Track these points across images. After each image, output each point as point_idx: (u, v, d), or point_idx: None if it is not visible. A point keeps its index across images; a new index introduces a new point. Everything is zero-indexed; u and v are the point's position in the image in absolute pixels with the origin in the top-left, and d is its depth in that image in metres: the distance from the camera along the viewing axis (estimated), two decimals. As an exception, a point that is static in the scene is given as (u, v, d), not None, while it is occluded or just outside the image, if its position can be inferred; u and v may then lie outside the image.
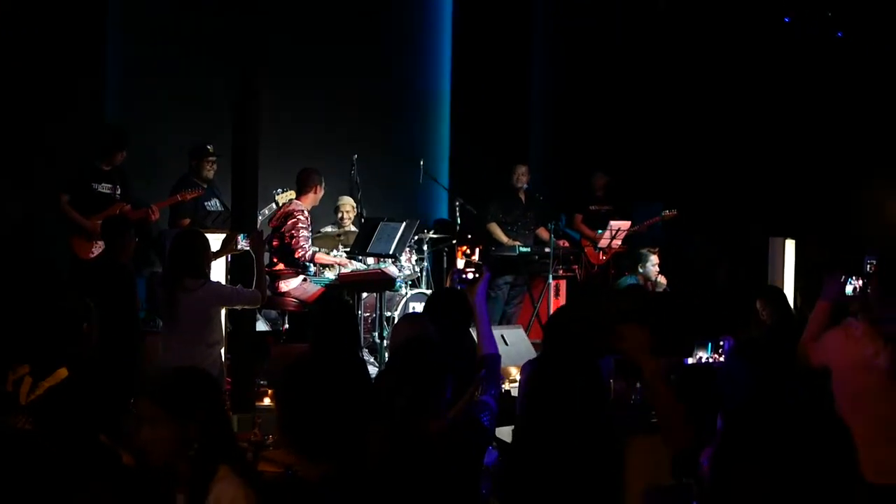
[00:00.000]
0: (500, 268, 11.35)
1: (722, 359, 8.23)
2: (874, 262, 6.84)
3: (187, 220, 9.96)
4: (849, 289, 5.23)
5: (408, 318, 6.29)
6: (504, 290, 11.46)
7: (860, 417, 4.68)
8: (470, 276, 5.06)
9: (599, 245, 11.73)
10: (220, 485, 3.24)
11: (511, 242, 11.42)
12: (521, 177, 11.66)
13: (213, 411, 3.35)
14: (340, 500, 2.99)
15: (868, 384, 4.68)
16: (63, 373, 4.80)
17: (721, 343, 8.43)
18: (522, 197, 11.73)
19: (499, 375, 4.88)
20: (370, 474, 3.25)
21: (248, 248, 7.35)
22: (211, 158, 10.23)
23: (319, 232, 11.05)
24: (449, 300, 6.18)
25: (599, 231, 11.86)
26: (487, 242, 11.55)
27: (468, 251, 5.09)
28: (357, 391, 3.23)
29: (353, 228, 11.03)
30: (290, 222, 9.62)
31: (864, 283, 5.27)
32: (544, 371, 3.66)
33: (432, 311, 6.10)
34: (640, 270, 10.67)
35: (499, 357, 5.02)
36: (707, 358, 8.37)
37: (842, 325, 4.93)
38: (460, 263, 5.16)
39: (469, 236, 11.43)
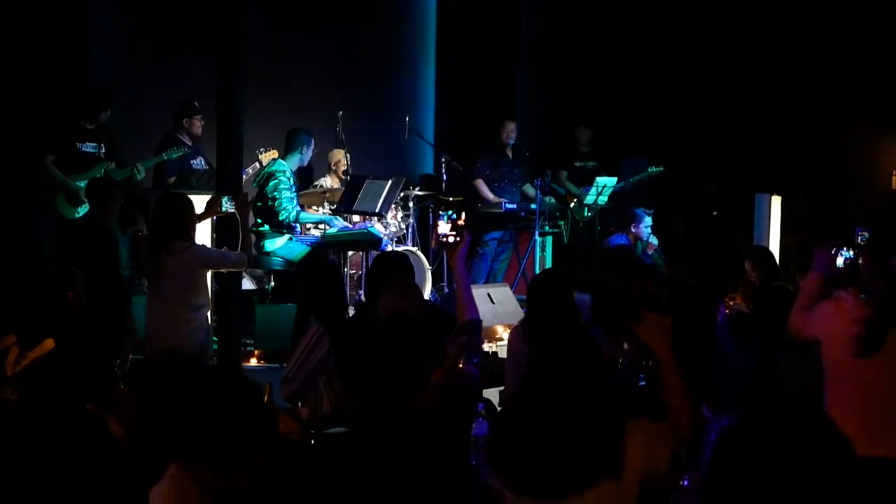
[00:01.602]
0: (487, 224, 11.33)
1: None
2: (866, 234, 6.84)
3: (172, 179, 9.88)
4: (840, 260, 5.21)
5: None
6: (491, 247, 11.43)
7: (849, 389, 4.70)
8: (451, 239, 5.02)
9: (585, 201, 11.70)
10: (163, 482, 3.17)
11: (496, 200, 11.38)
12: (510, 133, 11.60)
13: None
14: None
15: (859, 357, 4.67)
16: (49, 343, 4.75)
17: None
18: (509, 153, 11.68)
19: (480, 341, 4.86)
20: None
21: (232, 211, 7.29)
22: (197, 115, 10.14)
23: (315, 185, 11.00)
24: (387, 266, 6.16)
25: (585, 187, 11.83)
26: (473, 199, 11.51)
27: (453, 213, 5.02)
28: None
29: (337, 186, 10.97)
30: (272, 183, 9.57)
31: (854, 254, 5.25)
32: (542, 340, 3.65)
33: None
34: (633, 230, 10.63)
35: (479, 322, 5.01)
36: None
37: (832, 297, 4.92)
38: (443, 227, 5.10)
39: (451, 199, 11.39)
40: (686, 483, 4.05)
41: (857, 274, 5.13)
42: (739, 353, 5.05)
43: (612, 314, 5.64)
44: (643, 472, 3.33)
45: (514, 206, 11.46)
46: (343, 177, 11.00)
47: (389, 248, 10.13)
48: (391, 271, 5.95)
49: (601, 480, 3.28)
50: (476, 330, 4.88)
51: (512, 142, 11.62)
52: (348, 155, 11.10)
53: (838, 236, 5.65)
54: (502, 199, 11.38)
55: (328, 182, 11.06)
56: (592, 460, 3.29)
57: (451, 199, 11.38)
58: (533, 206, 11.33)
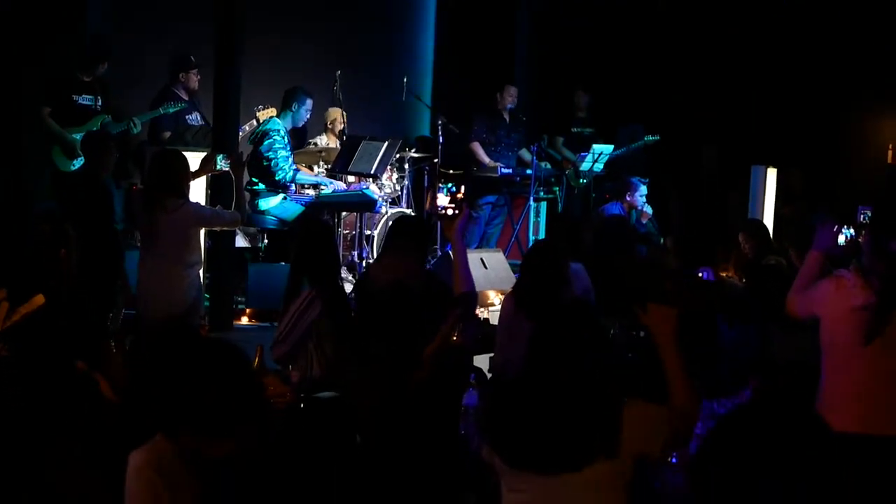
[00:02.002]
0: (482, 188, 11.30)
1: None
2: (868, 212, 6.83)
3: (167, 134, 9.84)
4: (841, 239, 5.20)
5: (387, 261, 6.22)
6: (486, 211, 11.41)
7: (849, 369, 4.71)
8: (450, 212, 5.01)
9: (581, 168, 11.68)
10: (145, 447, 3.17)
11: (493, 164, 11.35)
12: (511, 97, 11.57)
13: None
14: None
15: (857, 336, 4.68)
16: (40, 299, 4.74)
17: (700, 274, 8.44)
18: (507, 117, 11.64)
19: (475, 314, 4.86)
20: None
21: (227, 169, 7.26)
22: (194, 69, 10.07)
23: (310, 143, 10.96)
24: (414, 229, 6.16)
25: (581, 154, 11.80)
26: (469, 162, 11.48)
27: (452, 186, 5.03)
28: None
29: (333, 145, 10.93)
30: (266, 143, 9.52)
31: (856, 233, 5.25)
32: (540, 314, 3.64)
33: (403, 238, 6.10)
34: (628, 198, 10.62)
35: (475, 295, 5.00)
36: None
37: (833, 275, 4.92)
38: (441, 199, 5.09)
39: (451, 171, 11.37)
40: (675, 461, 4.06)
41: (858, 252, 5.12)
42: (733, 333, 5.05)
43: (620, 303, 5.64)
44: (639, 454, 3.35)
45: (510, 170, 11.44)
46: (339, 136, 10.96)
47: (409, 212, 10.14)
48: (398, 235, 5.99)
49: (598, 459, 3.30)
50: (472, 303, 4.88)
51: (511, 106, 11.59)
52: (345, 114, 11.06)
53: (840, 214, 5.65)
54: (498, 164, 11.35)
55: (324, 140, 11.03)
56: (591, 439, 3.30)
57: (450, 171, 11.36)
58: (528, 171, 11.31)
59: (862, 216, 7.01)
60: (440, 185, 11.02)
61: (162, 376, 3.19)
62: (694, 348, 3.96)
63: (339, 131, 10.98)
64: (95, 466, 3.47)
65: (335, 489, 3.81)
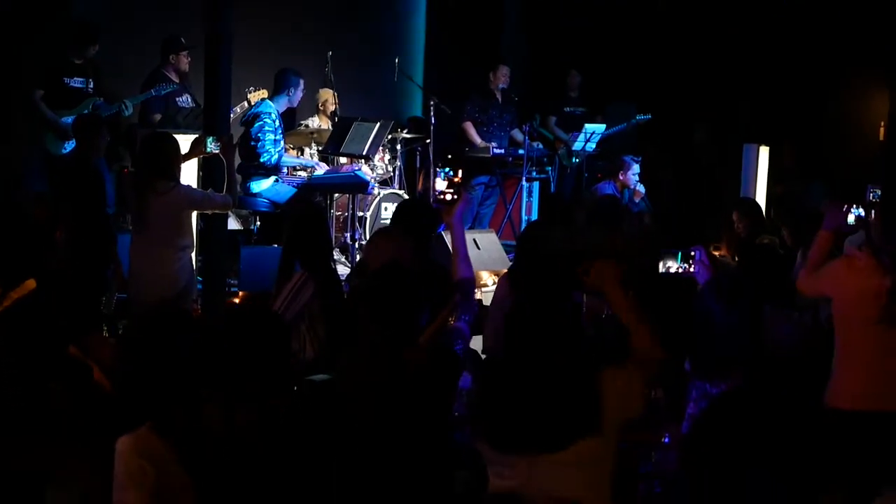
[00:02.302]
0: (474, 169, 11.29)
1: (692, 269, 8.21)
2: (877, 191, 6.84)
3: (158, 116, 9.80)
4: (850, 218, 5.22)
5: (385, 234, 6.23)
6: (478, 192, 11.40)
7: (863, 348, 4.74)
8: (448, 197, 4.99)
9: (573, 147, 11.67)
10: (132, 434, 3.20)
11: (484, 144, 11.33)
12: (503, 77, 11.56)
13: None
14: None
15: (870, 315, 4.71)
16: (31, 284, 4.73)
17: (692, 253, 8.42)
18: (499, 97, 11.63)
19: (473, 300, 4.86)
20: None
21: (217, 152, 7.23)
22: (184, 51, 10.02)
23: (302, 125, 10.93)
24: (417, 211, 6.18)
25: (574, 133, 11.79)
26: (461, 142, 11.46)
27: (450, 171, 5.00)
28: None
29: (325, 126, 10.90)
30: (257, 125, 9.48)
31: (865, 212, 5.27)
32: (522, 301, 3.64)
33: (402, 225, 6.13)
34: (620, 177, 10.61)
35: (473, 281, 5.00)
36: (677, 268, 8.35)
37: (844, 255, 4.94)
38: (440, 184, 5.08)
39: (450, 156, 11.35)
40: (667, 440, 4.07)
41: (868, 232, 5.14)
42: (726, 316, 5.05)
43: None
44: (622, 422, 3.35)
45: (502, 150, 11.43)
46: (331, 117, 10.94)
47: (403, 194, 10.14)
48: (397, 221, 6.01)
49: (582, 436, 3.31)
50: (469, 289, 4.88)
51: (504, 86, 11.58)
52: (336, 95, 11.03)
53: (832, 192, 5.66)
54: (490, 144, 11.33)
55: (316, 122, 11.00)
56: (572, 417, 3.30)
57: (448, 156, 11.34)
58: (521, 151, 11.29)
59: (871, 195, 7.00)
60: (438, 169, 11.01)
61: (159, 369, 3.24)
62: (676, 320, 3.97)
63: (331, 112, 10.95)
64: (87, 451, 3.47)
65: (330, 469, 3.83)
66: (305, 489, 3.40)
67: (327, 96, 11.03)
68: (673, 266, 8.27)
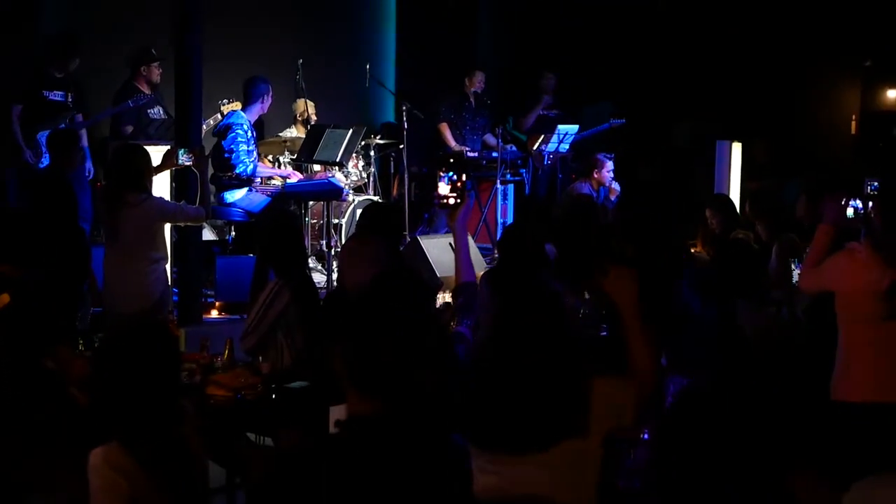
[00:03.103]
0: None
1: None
2: (875, 184, 6.86)
3: (129, 128, 9.76)
4: (850, 211, 5.24)
5: (357, 239, 6.19)
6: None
7: (867, 340, 4.77)
8: (452, 201, 4.96)
9: (547, 149, 11.66)
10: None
11: (458, 148, 11.33)
12: (478, 83, 11.59)
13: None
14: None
15: (873, 308, 4.73)
16: (5, 298, 4.70)
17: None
18: (473, 101, 11.63)
19: (475, 304, 4.82)
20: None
21: (189, 164, 7.20)
22: (155, 62, 9.98)
23: (277, 136, 10.91)
24: (382, 215, 6.16)
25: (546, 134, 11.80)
26: (436, 144, 11.45)
27: (453, 174, 4.98)
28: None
29: (298, 134, 10.88)
30: (229, 136, 9.45)
31: (864, 206, 5.28)
32: (508, 300, 3.61)
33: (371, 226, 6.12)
34: (595, 175, 10.63)
35: (475, 285, 4.97)
36: None
37: (846, 248, 4.96)
38: (443, 188, 5.04)
39: (451, 160, 11.34)
40: (646, 437, 4.06)
41: (869, 225, 5.16)
42: (703, 311, 5.06)
43: (576, 266, 5.64)
44: (608, 429, 3.34)
45: (475, 154, 11.43)
46: (307, 127, 10.93)
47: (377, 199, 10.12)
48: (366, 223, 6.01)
49: (567, 438, 3.29)
50: (471, 292, 4.85)
51: (478, 91, 11.59)
52: (310, 103, 11.01)
53: (848, 187, 5.67)
54: (464, 147, 11.33)
55: (293, 132, 10.97)
56: (558, 418, 3.29)
57: (450, 160, 11.33)
58: (494, 154, 11.30)
59: (869, 188, 7.01)
60: (441, 173, 10.93)
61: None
62: (659, 317, 3.95)
63: (306, 121, 10.94)
64: (69, 461, 3.46)
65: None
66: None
67: (302, 107, 11.00)
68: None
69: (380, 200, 10.60)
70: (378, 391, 2.83)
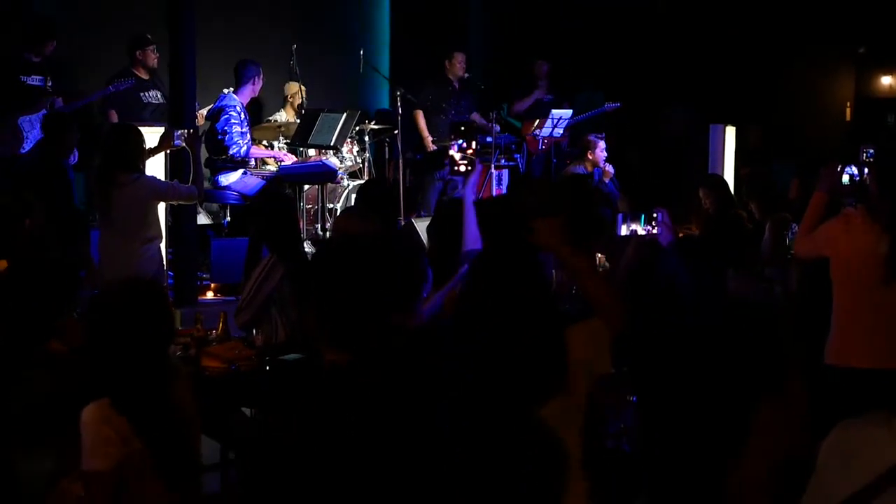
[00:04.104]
0: (430, 164, 11.24)
1: (655, 230, 8.19)
2: (871, 150, 6.88)
3: (114, 112, 9.72)
4: (844, 178, 5.27)
5: (350, 212, 6.21)
6: (438, 186, 11.38)
7: (861, 305, 4.78)
8: (462, 168, 4.98)
9: (541, 134, 11.66)
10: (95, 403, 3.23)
11: (428, 138, 11.27)
12: (458, 65, 11.54)
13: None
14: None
15: (868, 272, 4.75)
16: (2, 264, 4.74)
17: (654, 215, 8.36)
18: (456, 84, 11.61)
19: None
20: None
21: (183, 145, 7.22)
22: (150, 46, 9.98)
23: (268, 121, 10.91)
24: (383, 192, 6.17)
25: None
26: (414, 130, 11.41)
27: (463, 143, 5.00)
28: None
29: (292, 119, 10.90)
30: (222, 118, 9.47)
31: (859, 172, 5.31)
32: (485, 264, 3.60)
33: (367, 202, 6.12)
34: (590, 156, 10.63)
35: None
36: (641, 230, 8.30)
37: (841, 214, 4.97)
38: (455, 155, 5.07)
39: (462, 128, 11.30)
40: (635, 399, 4.08)
41: (864, 190, 5.18)
42: (691, 277, 5.07)
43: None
44: (589, 375, 3.31)
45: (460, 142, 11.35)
46: (298, 110, 10.93)
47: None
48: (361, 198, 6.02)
49: (549, 397, 3.28)
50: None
51: (462, 74, 11.53)
52: (303, 88, 11.01)
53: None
54: (432, 148, 11.25)
55: (283, 116, 10.99)
56: (541, 380, 3.28)
57: (462, 127, 11.28)
58: (489, 139, 11.28)
59: (863, 154, 7.03)
60: (452, 141, 10.91)
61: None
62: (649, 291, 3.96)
63: (298, 105, 10.94)
64: (58, 423, 3.48)
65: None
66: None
67: (295, 89, 11.02)
68: (637, 228, 8.22)
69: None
70: (348, 341, 2.83)
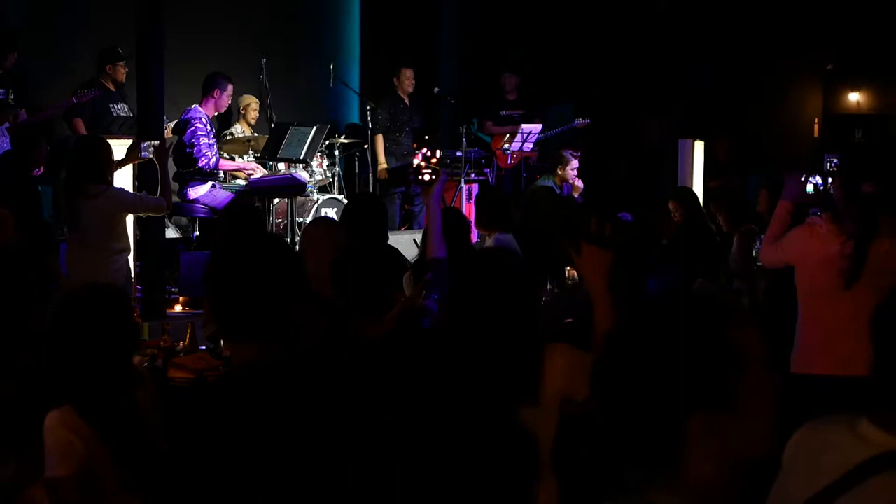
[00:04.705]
0: (392, 179, 11.28)
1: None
2: (835, 161, 6.93)
3: (80, 122, 9.68)
4: (809, 187, 5.30)
5: (320, 222, 6.21)
6: (397, 204, 11.41)
7: (825, 313, 4.79)
8: (426, 177, 4.99)
9: (511, 148, 11.68)
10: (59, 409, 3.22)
11: (383, 164, 11.30)
12: (407, 81, 11.55)
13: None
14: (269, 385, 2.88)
15: (833, 280, 4.77)
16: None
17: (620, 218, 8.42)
18: (407, 101, 11.62)
19: (444, 279, 4.84)
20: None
21: (150, 156, 7.19)
22: (121, 61, 9.95)
23: (231, 134, 10.89)
24: (366, 208, 6.15)
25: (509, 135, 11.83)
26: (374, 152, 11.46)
27: (427, 153, 5.04)
28: (283, 272, 3.12)
29: (248, 132, 10.88)
30: (189, 131, 9.45)
31: (823, 181, 5.34)
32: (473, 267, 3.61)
33: (350, 219, 6.11)
34: (559, 171, 10.65)
35: (445, 261, 4.99)
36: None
37: (805, 222, 5.00)
38: (417, 164, 5.08)
39: (427, 136, 11.31)
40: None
41: (828, 199, 5.22)
42: (658, 288, 5.10)
43: (553, 244, 5.63)
44: (562, 397, 3.33)
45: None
46: (252, 122, 10.94)
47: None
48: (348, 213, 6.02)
49: (519, 406, 3.28)
50: (441, 268, 4.87)
51: (410, 89, 11.54)
52: (260, 103, 11.00)
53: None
54: (385, 166, 11.31)
55: (238, 129, 10.94)
56: (509, 386, 3.28)
57: (426, 136, 11.28)
58: (458, 153, 11.31)
59: (828, 164, 7.09)
60: (415, 150, 10.94)
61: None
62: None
63: (253, 119, 10.95)
64: (19, 427, 3.45)
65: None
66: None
67: (249, 101, 10.98)
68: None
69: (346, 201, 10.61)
70: (247, 334, 2.81)
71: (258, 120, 11.16)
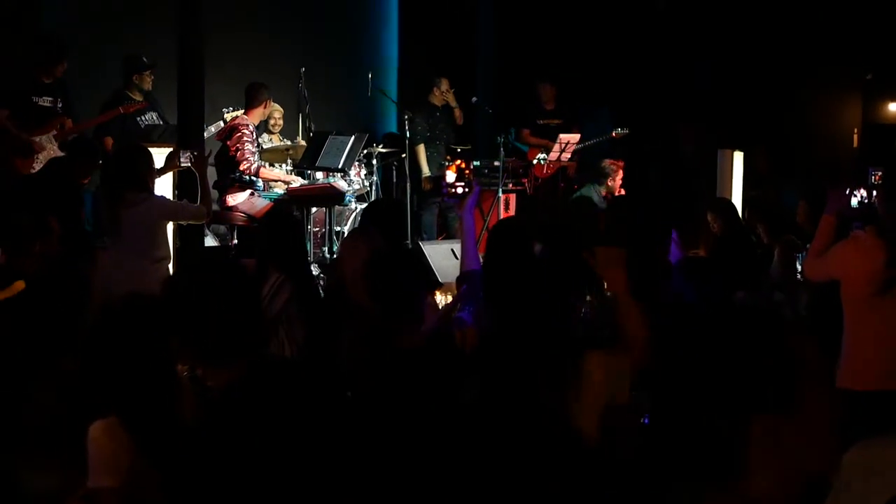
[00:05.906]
0: (430, 189, 11.29)
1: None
2: (879, 173, 6.86)
3: (109, 139, 9.72)
4: (854, 201, 5.26)
5: (357, 233, 6.24)
6: (433, 210, 11.41)
7: (871, 328, 4.76)
8: (459, 190, 5.03)
9: (549, 157, 11.63)
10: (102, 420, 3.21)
11: (426, 173, 11.30)
12: (444, 91, 11.56)
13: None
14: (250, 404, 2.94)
15: (878, 294, 4.73)
16: (20, 285, 4.75)
17: None
18: (443, 110, 11.65)
19: (478, 291, 4.84)
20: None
21: (189, 165, 7.22)
22: (147, 70, 9.98)
23: (259, 145, 10.92)
24: (390, 212, 6.18)
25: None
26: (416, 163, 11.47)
27: (462, 165, 5.07)
28: (248, 296, 3.19)
29: (299, 142, 10.92)
30: (234, 136, 9.52)
31: (867, 195, 5.30)
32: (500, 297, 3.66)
33: (373, 220, 6.14)
34: (609, 183, 10.61)
35: (480, 273, 5.00)
36: None
37: (850, 236, 4.97)
38: (450, 177, 5.11)
39: (459, 149, 11.32)
40: (647, 421, 4.04)
41: (873, 214, 5.17)
42: (698, 300, 5.05)
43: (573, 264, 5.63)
44: (604, 403, 3.33)
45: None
46: (274, 131, 10.97)
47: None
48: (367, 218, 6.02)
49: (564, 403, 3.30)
50: (476, 280, 4.88)
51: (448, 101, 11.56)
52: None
53: (852, 178, 5.68)
54: (428, 186, 11.32)
55: (265, 138, 10.96)
56: (550, 399, 3.30)
57: (458, 149, 11.28)
58: (497, 163, 11.27)
59: (872, 177, 7.02)
60: (448, 161, 10.96)
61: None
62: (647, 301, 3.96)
63: (282, 128, 11.04)
64: (63, 438, 3.47)
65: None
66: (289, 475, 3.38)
67: (273, 110, 10.96)
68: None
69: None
70: (226, 359, 2.86)
71: (283, 127, 11.20)
